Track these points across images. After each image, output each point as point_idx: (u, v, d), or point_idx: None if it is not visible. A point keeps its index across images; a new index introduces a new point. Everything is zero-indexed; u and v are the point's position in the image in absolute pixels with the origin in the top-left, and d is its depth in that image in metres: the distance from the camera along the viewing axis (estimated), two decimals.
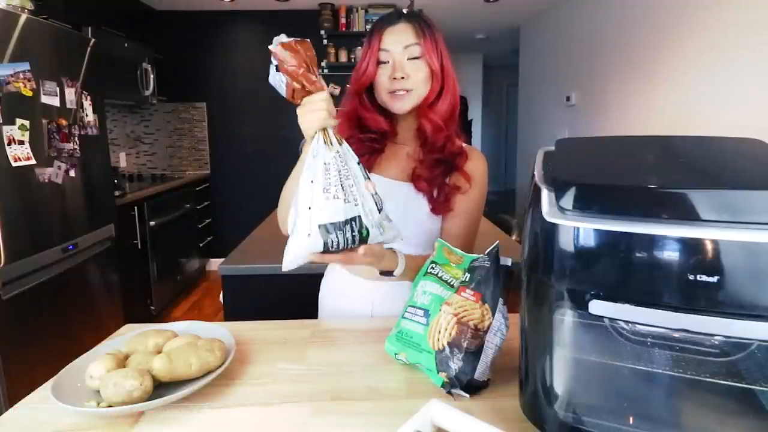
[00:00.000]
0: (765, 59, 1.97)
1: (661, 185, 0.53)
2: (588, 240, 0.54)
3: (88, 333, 2.21)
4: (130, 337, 0.82)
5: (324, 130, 0.76)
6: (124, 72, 3.26)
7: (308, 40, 0.75)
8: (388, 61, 0.97)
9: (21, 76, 1.85)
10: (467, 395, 0.72)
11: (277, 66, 0.76)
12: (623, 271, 0.53)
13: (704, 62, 2.34)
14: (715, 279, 0.48)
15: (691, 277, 0.49)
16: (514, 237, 2.63)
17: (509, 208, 5.24)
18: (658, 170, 0.60)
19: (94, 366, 0.72)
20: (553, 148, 0.67)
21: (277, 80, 0.77)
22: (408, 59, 0.97)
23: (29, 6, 2.01)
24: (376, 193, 0.78)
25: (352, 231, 0.73)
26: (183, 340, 0.78)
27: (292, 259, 0.75)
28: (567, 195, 0.55)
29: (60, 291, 2.09)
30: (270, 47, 0.75)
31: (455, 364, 0.71)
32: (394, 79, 0.96)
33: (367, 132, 1.04)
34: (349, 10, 4.10)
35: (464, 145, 1.06)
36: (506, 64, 6.70)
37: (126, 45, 3.22)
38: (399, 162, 1.06)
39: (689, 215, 0.50)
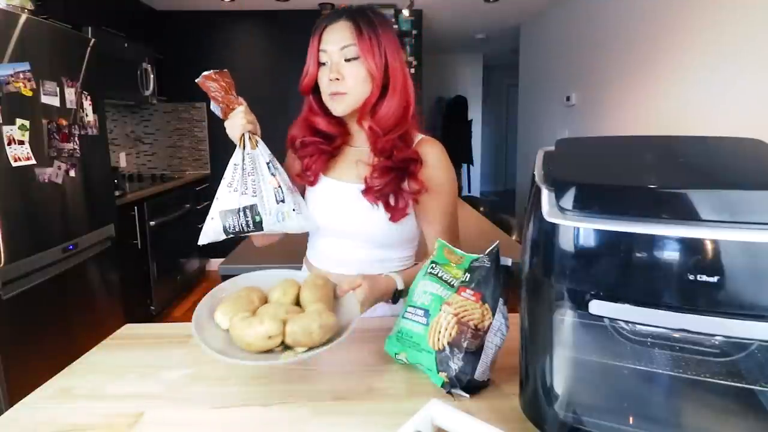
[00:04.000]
0: (764, 59, 1.97)
1: (661, 185, 0.53)
2: (588, 240, 0.54)
3: (88, 333, 2.21)
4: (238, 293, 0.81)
5: (243, 137, 0.92)
6: (124, 72, 3.26)
7: (226, 69, 0.95)
8: (326, 62, 0.95)
9: (21, 76, 1.85)
10: (467, 395, 0.72)
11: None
12: (623, 271, 0.53)
13: (704, 62, 2.34)
14: (715, 279, 0.48)
15: (691, 277, 0.49)
16: (514, 237, 2.63)
17: (509, 208, 5.24)
18: (658, 170, 0.60)
19: (270, 323, 0.71)
20: (553, 148, 0.67)
21: (214, 107, 0.95)
22: (345, 60, 0.94)
23: (29, 6, 2.01)
24: (279, 187, 0.93)
25: (246, 216, 0.90)
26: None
27: (202, 237, 0.93)
28: (567, 195, 0.55)
29: (60, 291, 2.09)
30: (196, 80, 0.94)
31: (455, 364, 0.71)
32: (331, 80, 0.94)
33: (318, 135, 1.03)
34: None
35: (422, 137, 1.03)
36: (506, 64, 6.70)
37: (126, 45, 3.22)
38: (353, 166, 1.03)
39: (689, 215, 0.50)
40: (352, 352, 0.88)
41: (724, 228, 0.48)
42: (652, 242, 0.50)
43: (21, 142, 1.84)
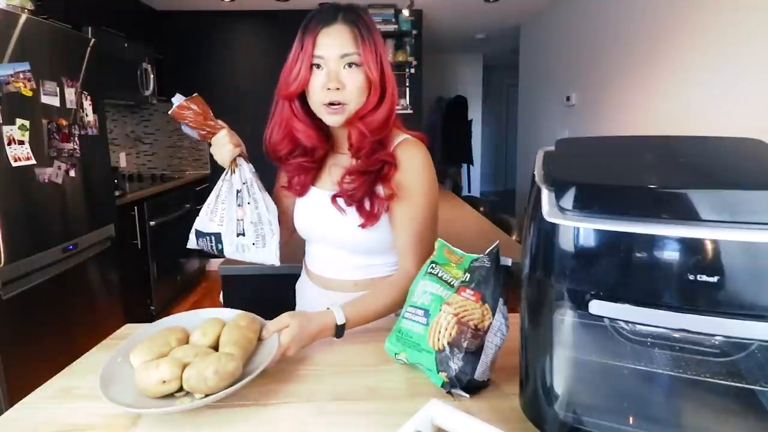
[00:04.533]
0: (765, 59, 1.97)
1: (661, 185, 0.53)
2: (588, 240, 0.54)
3: (88, 333, 2.21)
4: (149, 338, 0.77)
5: (233, 160, 0.94)
6: (124, 72, 3.25)
7: (196, 94, 0.95)
8: (322, 68, 0.88)
9: (21, 76, 1.85)
10: (467, 395, 0.72)
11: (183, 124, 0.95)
12: (623, 271, 0.53)
13: (704, 62, 2.34)
14: (715, 279, 0.48)
15: (691, 277, 0.49)
16: (514, 237, 2.63)
17: (509, 208, 5.24)
18: (658, 170, 0.60)
19: (165, 368, 0.68)
20: (553, 148, 0.67)
21: (188, 130, 0.95)
22: (344, 67, 0.88)
23: (29, 6, 2.01)
24: (240, 220, 0.95)
25: (211, 242, 0.97)
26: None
27: (189, 242, 1.01)
28: (567, 195, 0.55)
29: (60, 291, 2.09)
30: (169, 112, 0.94)
31: (455, 364, 0.71)
32: (329, 90, 0.88)
33: (303, 152, 0.99)
34: None
35: (404, 138, 0.98)
36: (506, 64, 6.70)
37: (126, 45, 3.22)
38: (332, 171, 1.00)
39: (689, 215, 0.50)
40: (352, 352, 0.88)
41: (724, 228, 0.48)
42: (652, 242, 0.50)
43: (21, 142, 1.84)
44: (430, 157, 0.99)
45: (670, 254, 0.50)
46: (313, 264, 1.09)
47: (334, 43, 0.87)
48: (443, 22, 4.67)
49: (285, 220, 1.07)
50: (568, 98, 3.76)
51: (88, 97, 2.31)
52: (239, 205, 0.96)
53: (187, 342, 0.78)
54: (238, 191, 0.95)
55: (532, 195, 0.61)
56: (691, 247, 0.49)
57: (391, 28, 4.05)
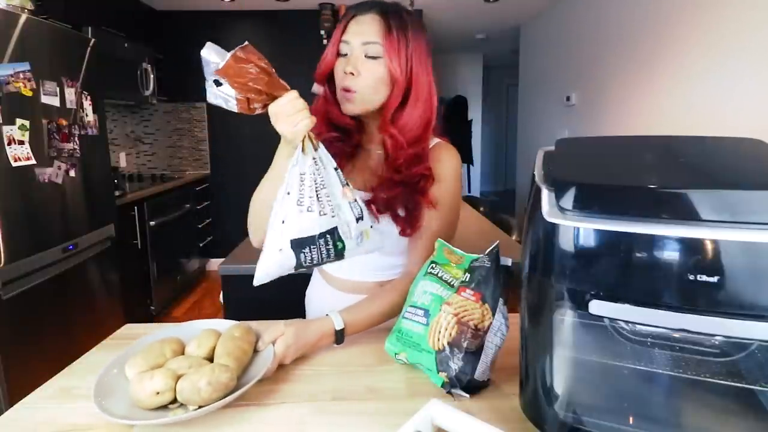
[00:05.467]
0: (765, 59, 1.97)
1: (661, 185, 0.53)
2: (588, 240, 0.54)
3: (88, 333, 2.21)
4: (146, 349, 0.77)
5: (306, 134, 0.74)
6: (124, 72, 3.26)
7: (246, 42, 0.71)
8: (346, 54, 0.88)
9: (21, 76, 1.85)
10: (467, 395, 0.72)
11: (216, 81, 0.71)
12: (623, 271, 0.53)
13: (704, 62, 2.34)
14: (715, 279, 0.48)
15: (691, 277, 0.49)
16: (514, 237, 2.63)
17: (509, 208, 5.24)
18: (658, 170, 0.60)
19: (159, 379, 0.68)
20: (553, 148, 0.67)
21: (220, 96, 0.72)
22: (366, 56, 0.87)
23: (29, 6, 2.01)
24: (355, 201, 0.76)
25: (327, 244, 0.72)
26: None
27: (261, 276, 0.73)
28: (567, 195, 0.55)
29: (60, 291, 2.09)
30: (215, 71, 0.69)
31: (455, 364, 0.71)
32: (345, 74, 0.87)
33: (335, 129, 0.95)
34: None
35: (437, 141, 0.98)
36: (506, 64, 6.70)
37: (126, 45, 3.22)
38: (363, 171, 0.98)
39: (689, 215, 0.50)
40: (352, 352, 0.88)
41: (724, 228, 0.48)
42: (652, 242, 0.50)
43: (21, 142, 1.84)
44: (460, 163, 0.99)
45: (670, 254, 0.50)
46: (334, 266, 1.05)
47: (359, 30, 0.87)
48: (443, 22, 4.67)
49: None
50: (568, 98, 3.76)
51: (88, 97, 2.31)
52: (345, 185, 0.75)
53: (182, 353, 0.78)
54: (335, 168, 0.75)
55: (532, 195, 0.61)
56: (691, 247, 0.49)
57: None
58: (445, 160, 0.96)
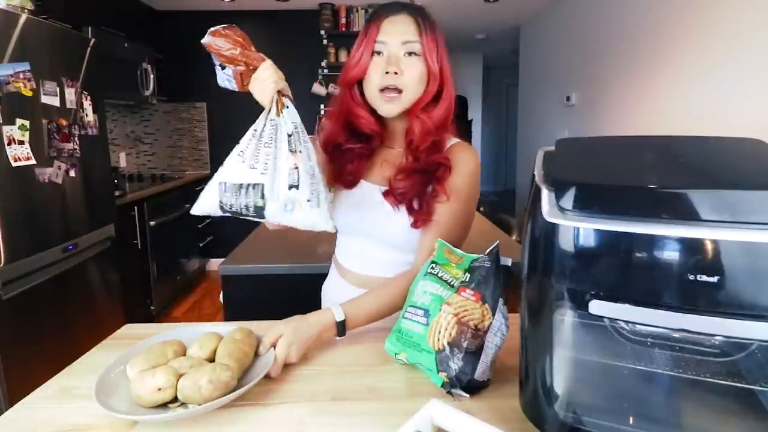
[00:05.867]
0: (765, 60, 1.97)
1: (661, 185, 0.53)
2: (588, 240, 0.54)
3: (88, 333, 2.21)
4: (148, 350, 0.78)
5: (273, 99, 0.79)
6: (124, 72, 3.26)
7: (234, 24, 0.79)
8: (383, 53, 0.90)
9: (21, 76, 1.85)
10: (467, 395, 0.72)
11: (220, 65, 0.80)
12: (623, 271, 0.53)
13: (704, 62, 2.34)
14: (715, 279, 0.48)
15: (691, 277, 0.49)
16: (514, 237, 2.63)
17: (509, 208, 5.24)
18: (658, 170, 0.60)
19: (161, 376, 0.68)
20: (553, 148, 0.67)
21: (225, 78, 0.79)
22: (405, 54, 0.90)
23: (29, 6, 2.01)
24: (295, 168, 0.77)
25: (247, 196, 0.75)
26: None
27: (196, 205, 0.81)
28: (567, 195, 0.55)
29: (60, 291, 2.09)
30: (202, 41, 0.78)
31: (455, 364, 0.71)
32: (387, 74, 0.89)
33: (356, 137, 0.98)
34: (349, 10, 4.10)
35: (456, 141, 1.00)
36: (506, 64, 6.70)
37: (126, 45, 3.22)
38: (383, 166, 1.00)
39: (689, 215, 0.50)
40: (352, 352, 0.88)
41: (724, 228, 0.48)
42: (652, 242, 0.50)
43: (21, 142, 1.84)
44: (479, 165, 1.00)
45: (670, 254, 0.50)
46: (349, 260, 1.07)
47: (396, 30, 0.90)
48: (443, 22, 4.62)
49: None
50: (568, 98, 3.76)
51: (88, 97, 2.31)
52: (292, 151, 0.77)
53: (183, 355, 0.78)
54: (289, 135, 0.78)
55: (532, 195, 0.61)
56: (691, 247, 0.49)
57: None
58: (463, 158, 0.96)
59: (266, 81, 0.80)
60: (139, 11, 3.82)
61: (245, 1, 3.94)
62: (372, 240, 1.01)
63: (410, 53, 0.90)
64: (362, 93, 0.95)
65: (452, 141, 1.00)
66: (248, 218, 0.78)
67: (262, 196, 0.75)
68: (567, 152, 0.67)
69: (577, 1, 3.63)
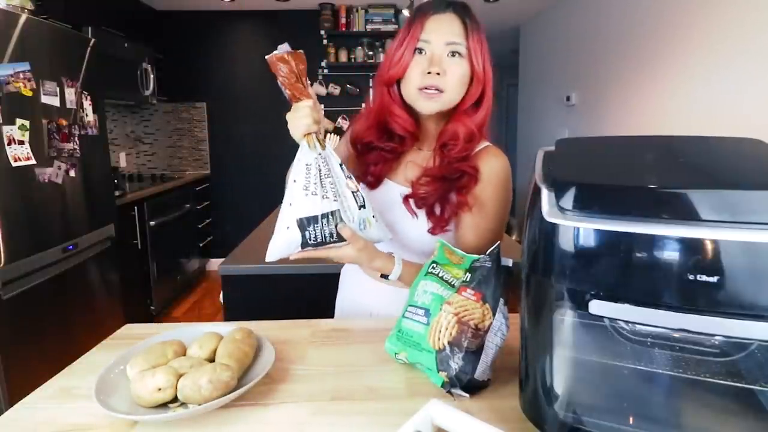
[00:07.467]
0: (765, 60, 1.97)
1: (661, 185, 0.53)
2: (588, 240, 0.54)
3: (88, 333, 2.21)
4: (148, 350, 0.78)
5: (309, 135, 0.82)
6: (124, 72, 3.26)
7: (301, 51, 0.81)
8: (425, 52, 0.88)
9: (21, 76, 1.85)
10: (467, 395, 0.72)
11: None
12: (623, 271, 0.53)
13: (704, 62, 2.34)
14: (715, 279, 0.48)
15: (691, 277, 0.49)
16: (514, 237, 2.63)
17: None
18: (658, 170, 0.60)
19: (161, 375, 0.68)
20: (553, 148, 0.67)
21: (280, 85, 0.84)
22: (448, 54, 0.88)
23: (29, 6, 2.01)
24: (357, 191, 0.82)
25: (328, 224, 0.79)
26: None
27: (272, 251, 0.81)
28: (567, 195, 0.55)
29: (60, 291, 2.09)
30: (266, 57, 0.80)
31: (455, 364, 0.71)
32: (428, 73, 0.87)
33: (389, 138, 0.97)
34: (349, 10, 4.10)
35: (487, 145, 0.96)
36: (506, 64, 6.69)
37: (126, 45, 3.22)
38: (408, 167, 0.99)
39: (689, 215, 0.50)
40: (352, 352, 0.88)
41: (724, 228, 0.48)
42: (652, 242, 0.50)
43: (21, 142, 1.84)
44: (510, 170, 0.96)
45: (670, 254, 0.50)
46: (356, 266, 1.06)
47: (442, 29, 0.88)
48: None
49: None
50: (568, 98, 3.76)
51: (88, 97, 2.31)
52: (349, 178, 0.83)
53: (183, 355, 0.78)
54: (340, 164, 0.83)
55: (532, 195, 0.61)
56: (691, 247, 0.49)
57: (391, 28, 4.06)
58: (492, 167, 0.93)
59: (298, 120, 0.81)
60: (139, 11, 3.82)
61: (245, 1, 3.94)
62: (386, 243, 0.98)
63: (454, 53, 0.88)
64: (400, 92, 0.93)
65: (483, 144, 0.96)
66: (330, 247, 0.82)
67: (341, 220, 0.80)
68: (567, 152, 0.67)
69: (577, 1, 3.63)
